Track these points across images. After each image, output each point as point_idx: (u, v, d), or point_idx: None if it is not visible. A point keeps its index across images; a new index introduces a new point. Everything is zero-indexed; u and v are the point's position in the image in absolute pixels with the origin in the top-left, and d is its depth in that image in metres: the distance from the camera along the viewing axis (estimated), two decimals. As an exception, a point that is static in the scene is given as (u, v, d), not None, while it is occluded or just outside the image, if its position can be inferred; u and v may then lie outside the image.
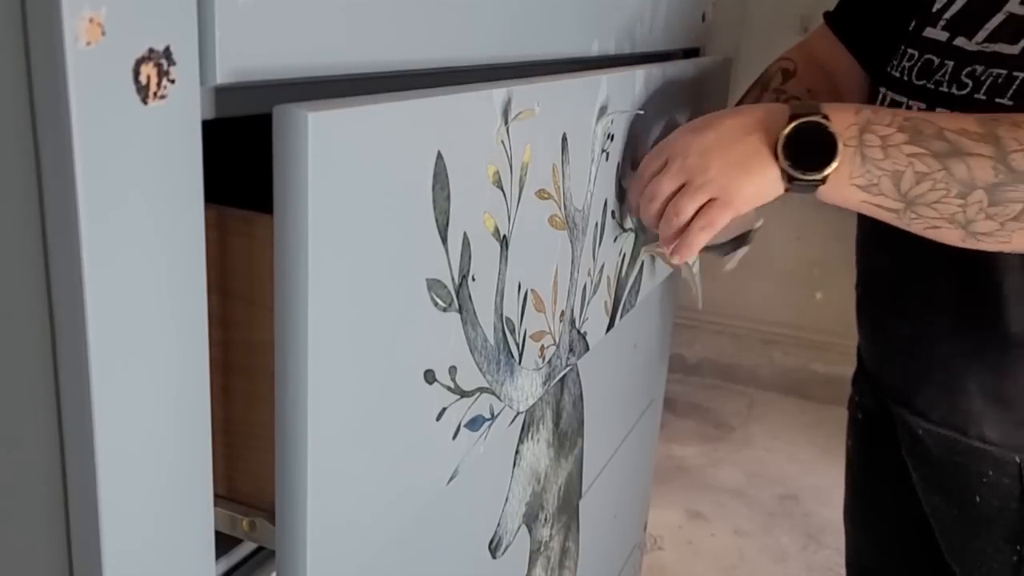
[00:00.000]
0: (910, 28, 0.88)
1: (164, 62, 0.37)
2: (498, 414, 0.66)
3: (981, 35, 0.79)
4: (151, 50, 0.36)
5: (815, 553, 2.04)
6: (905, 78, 0.85)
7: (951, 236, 0.70)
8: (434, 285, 0.54)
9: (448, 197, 0.53)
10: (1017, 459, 0.83)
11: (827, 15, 1.01)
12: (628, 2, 0.85)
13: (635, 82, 0.80)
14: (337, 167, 0.43)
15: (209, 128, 0.41)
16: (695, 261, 0.91)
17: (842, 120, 0.69)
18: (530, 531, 0.90)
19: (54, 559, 0.41)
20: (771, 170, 0.70)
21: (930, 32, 0.85)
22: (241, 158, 0.67)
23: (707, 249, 0.81)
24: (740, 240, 0.86)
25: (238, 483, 0.52)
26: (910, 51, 0.86)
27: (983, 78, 0.77)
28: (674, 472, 2.33)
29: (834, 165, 0.68)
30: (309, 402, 0.45)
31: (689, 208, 0.72)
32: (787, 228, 2.72)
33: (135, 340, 0.38)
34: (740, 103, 0.99)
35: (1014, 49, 0.76)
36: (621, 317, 0.92)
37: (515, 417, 0.70)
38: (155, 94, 0.37)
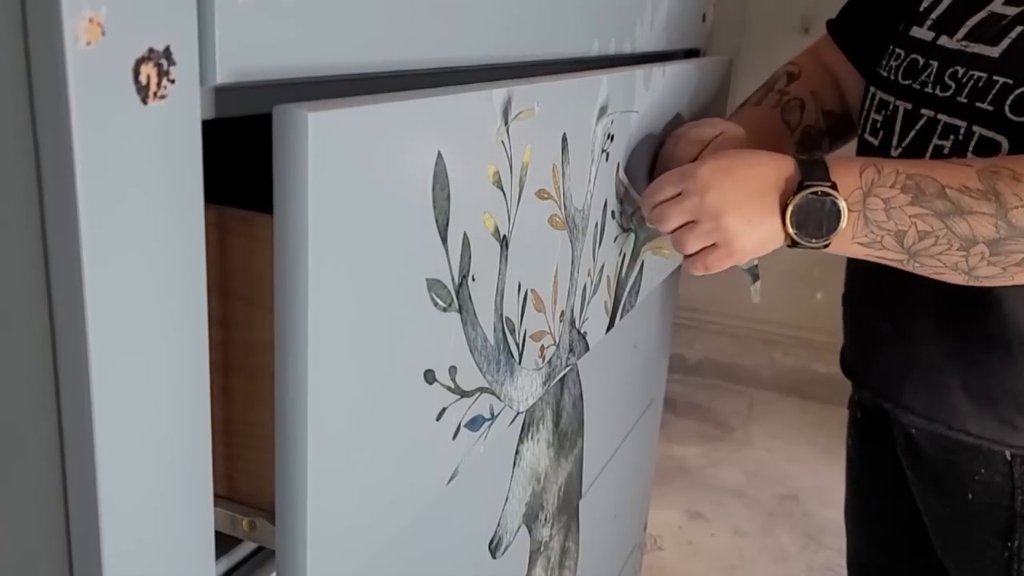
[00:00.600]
0: (899, 28, 0.89)
1: (164, 62, 0.37)
2: (498, 414, 0.66)
3: (962, 32, 0.81)
4: (151, 50, 0.36)
5: (815, 553, 2.04)
6: (892, 77, 0.87)
7: (955, 279, 0.73)
8: (434, 285, 0.54)
9: (448, 197, 0.53)
10: (1007, 455, 0.83)
11: (829, 23, 1.03)
12: (628, 2, 0.85)
13: (635, 82, 0.80)
14: (337, 167, 0.43)
15: (209, 128, 0.41)
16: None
17: (847, 184, 0.71)
18: (530, 531, 0.90)
19: (54, 559, 0.41)
20: (777, 231, 0.73)
21: (916, 32, 0.86)
22: (241, 158, 0.67)
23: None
24: (753, 271, 0.89)
25: (238, 483, 0.52)
26: (897, 51, 0.88)
27: (965, 80, 0.78)
28: (674, 472, 2.33)
29: (838, 232, 0.71)
30: (309, 402, 0.45)
31: (692, 247, 0.75)
32: (787, 228, 2.72)
33: (135, 340, 0.38)
34: (744, 104, 0.99)
35: (994, 52, 0.77)
36: (621, 317, 0.92)
37: (515, 417, 0.70)
38: (155, 94, 0.37)
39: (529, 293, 0.67)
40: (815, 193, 0.70)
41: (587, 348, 0.83)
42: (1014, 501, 0.84)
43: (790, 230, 0.72)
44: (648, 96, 0.84)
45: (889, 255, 0.72)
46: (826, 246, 0.72)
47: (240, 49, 0.41)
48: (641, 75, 0.81)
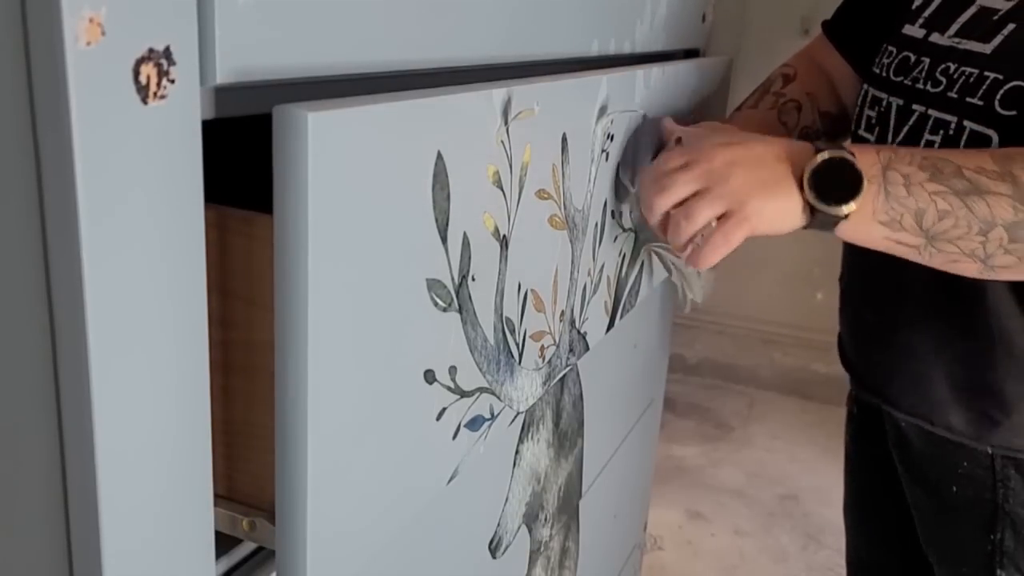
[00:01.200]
0: (892, 27, 0.90)
1: (164, 62, 0.37)
2: (498, 414, 0.66)
3: (953, 28, 0.81)
4: (151, 50, 0.36)
5: (815, 553, 2.04)
6: (884, 74, 0.87)
7: (970, 269, 0.71)
8: (434, 285, 0.54)
9: (448, 197, 0.53)
10: (990, 450, 0.84)
11: (824, 24, 1.04)
12: (628, 2, 0.85)
13: (635, 82, 0.80)
14: (337, 167, 0.43)
15: (209, 128, 0.41)
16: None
17: (865, 159, 0.69)
18: (530, 531, 0.90)
19: (54, 559, 0.41)
20: (794, 199, 0.69)
21: (908, 29, 0.87)
22: (241, 158, 0.67)
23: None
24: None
25: (238, 483, 0.52)
26: (890, 48, 0.89)
27: (956, 76, 0.79)
28: (674, 472, 2.33)
29: (856, 203, 0.68)
30: (309, 402, 0.45)
31: (703, 215, 0.69)
32: (787, 228, 2.72)
33: (135, 340, 0.38)
34: (740, 107, 0.99)
35: (986, 48, 0.78)
36: (621, 317, 0.92)
37: (515, 417, 0.70)
38: (155, 94, 0.37)
39: (529, 293, 0.67)
40: (834, 158, 0.68)
41: (587, 348, 0.83)
42: (996, 494, 0.85)
43: (808, 195, 0.68)
44: (648, 96, 0.84)
45: (907, 238, 0.70)
46: (846, 217, 0.68)
47: (240, 49, 0.41)
48: (641, 75, 0.81)
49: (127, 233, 0.37)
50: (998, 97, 0.75)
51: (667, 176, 0.70)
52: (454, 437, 0.60)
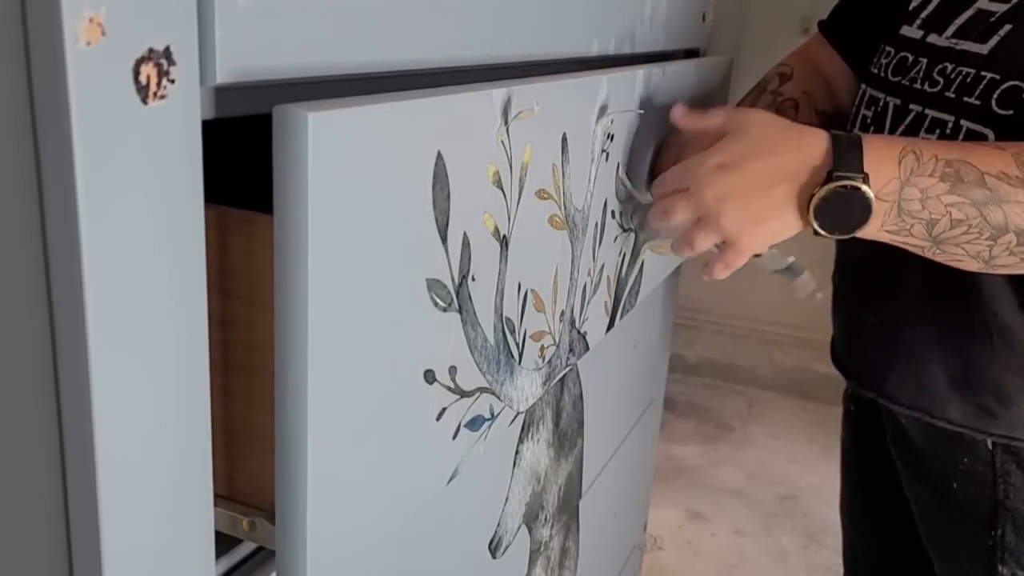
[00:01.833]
0: (890, 27, 0.91)
1: (164, 62, 0.37)
2: (498, 414, 0.66)
3: (951, 30, 0.82)
4: (151, 50, 0.36)
5: (815, 553, 2.04)
6: (882, 75, 0.88)
7: (971, 266, 0.72)
8: (434, 285, 0.54)
9: (448, 197, 0.53)
10: (989, 444, 0.85)
11: (821, 23, 1.05)
12: (628, 2, 0.85)
13: (635, 82, 0.80)
14: (337, 167, 0.43)
15: (209, 128, 0.41)
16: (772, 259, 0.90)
17: (883, 174, 0.68)
18: (530, 531, 0.90)
19: (54, 559, 0.41)
20: (792, 223, 0.70)
21: (906, 30, 0.88)
22: (241, 158, 0.67)
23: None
24: (791, 269, 0.85)
25: (238, 483, 0.52)
26: (888, 48, 0.89)
27: (953, 76, 0.80)
28: (674, 472, 2.33)
29: (865, 227, 0.69)
30: (309, 402, 0.45)
31: (702, 244, 0.73)
32: (787, 228, 2.72)
33: (135, 340, 0.38)
34: (738, 105, 0.99)
35: (982, 49, 0.78)
36: (621, 317, 0.92)
37: (515, 417, 0.70)
38: (155, 94, 0.37)
39: (529, 293, 0.67)
40: (843, 187, 0.67)
41: (587, 348, 0.83)
42: (996, 490, 0.85)
43: (813, 223, 0.69)
44: (648, 96, 0.84)
45: (912, 241, 0.70)
46: (852, 237, 0.70)
47: (240, 49, 0.41)
48: (641, 75, 0.81)
49: (127, 233, 0.37)
50: (995, 96, 0.76)
51: (666, 200, 0.73)
52: (454, 437, 0.60)
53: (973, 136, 0.77)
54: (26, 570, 0.42)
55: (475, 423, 0.63)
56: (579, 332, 0.80)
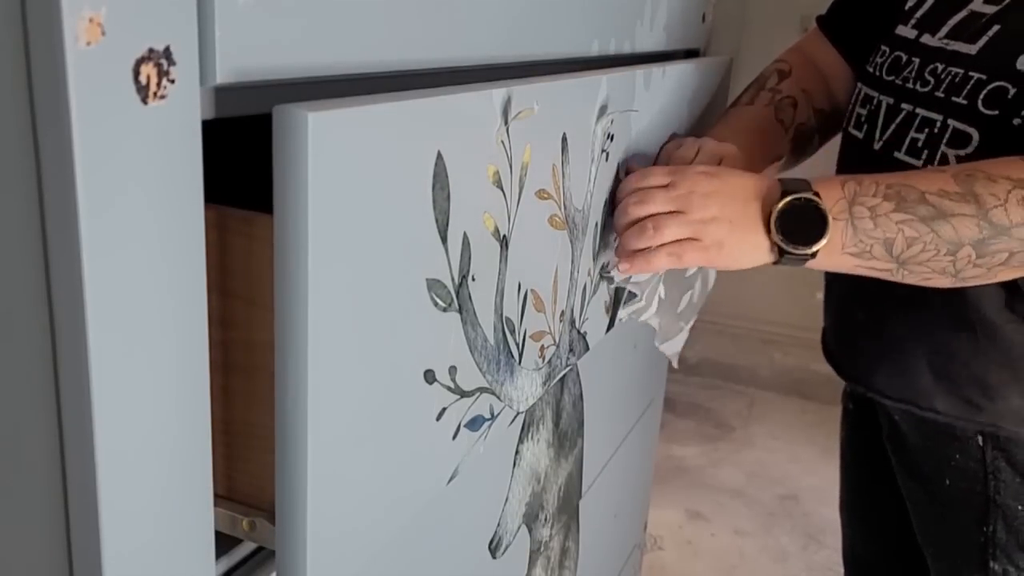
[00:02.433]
0: (887, 26, 0.92)
1: (164, 62, 0.37)
2: (498, 414, 0.66)
3: (944, 30, 0.83)
4: (151, 50, 0.36)
5: (815, 553, 2.04)
6: (877, 73, 0.89)
7: (942, 283, 0.74)
8: (434, 285, 0.54)
9: (448, 197, 0.53)
10: (979, 441, 0.86)
11: (819, 18, 1.05)
12: (628, 2, 0.85)
13: (635, 82, 0.80)
14: (337, 167, 0.43)
15: (209, 128, 0.41)
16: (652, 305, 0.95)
17: (830, 195, 0.72)
18: (530, 531, 0.90)
19: (54, 559, 0.41)
20: (761, 242, 0.73)
21: (901, 30, 0.89)
22: (241, 158, 0.67)
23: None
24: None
25: (238, 483, 0.52)
26: (883, 47, 0.90)
27: (943, 76, 0.81)
28: (674, 472, 2.32)
29: (824, 241, 0.71)
30: (309, 402, 0.45)
31: (672, 233, 0.73)
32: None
33: (135, 340, 0.38)
34: (736, 103, 1.00)
35: (971, 49, 0.79)
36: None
37: (515, 417, 0.70)
38: (155, 94, 0.37)
39: (529, 293, 0.67)
40: (799, 199, 0.71)
41: (587, 348, 0.83)
42: (987, 487, 0.87)
43: (775, 238, 0.72)
44: (648, 96, 0.84)
45: (878, 264, 0.73)
46: (814, 255, 0.72)
47: (240, 49, 0.41)
48: (641, 75, 0.81)
49: (127, 233, 0.37)
50: (981, 97, 0.77)
51: (648, 192, 0.75)
52: (454, 437, 0.60)
53: (959, 135, 0.78)
54: (26, 570, 0.42)
55: (475, 423, 0.63)
56: (579, 332, 0.80)
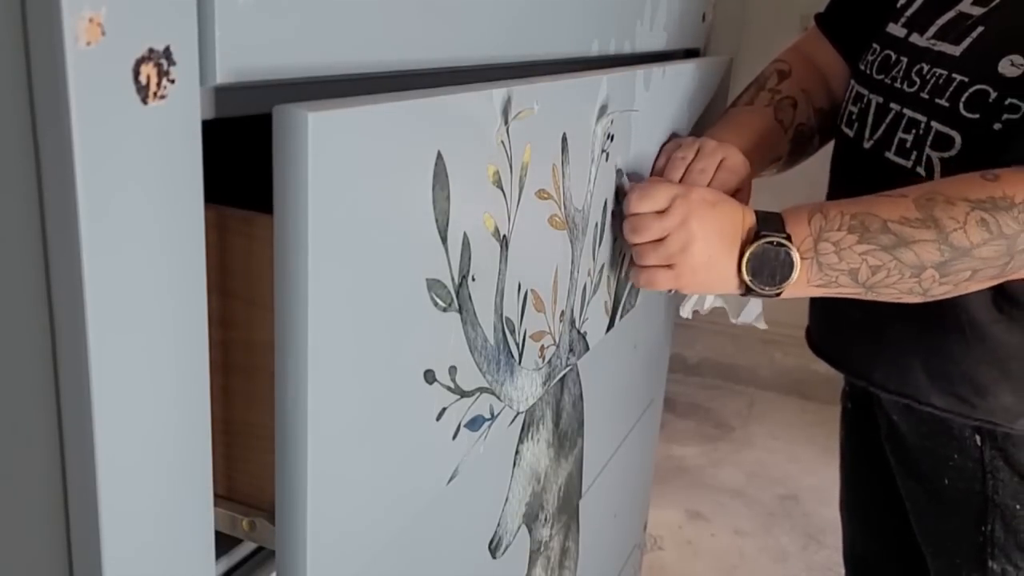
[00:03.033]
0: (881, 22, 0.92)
1: (164, 62, 0.37)
2: (498, 414, 0.66)
3: (932, 30, 0.84)
4: (151, 50, 0.36)
5: (815, 553, 2.04)
6: (868, 72, 0.90)
7: (912, 299, 0.77)
8: (434, 285, 0.54)
9: (448, 197, 0.53)
10: (977, 440, 0.87)
11: (818, 16, 1.05)
12: (628, 2, 0.85)
13: (635, 82, 0.80)
14: (337, 167, 0.43)
15: (209, 128, 0.41)
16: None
17: (799, 233, 0.74)
18: (530, 531, 0.90)
19: (54, 560, 0.41)
20: (731, 276, 0.76)
21: (892, 28, 0.89)
22: (241, 158, 0.67)
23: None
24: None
25: (238, 483, 0.52)
26: (874, 46, 0.91)
27: (928, 77, 0.82)
28: (674, 472, 2.32)
29: (791, 282, 0.74)
30: (309, 402, 0.45)
31: (649, 261, 0.77)
32: (787, 228, 2.72)
33: (135, 340, 0.38)
34: (735, 103, 1.00)
35: (955, 51, 0.80)
36: (621, 317, 0.92)
37: (515, 417, 0.70)
38: (155, 94, 0.37)
39: (529, 293, 0.67)
40: (771, 243, 0.74)
41: (587, 348, 0.83)
42: (985, 486, 0.87)
43: (745, 276, 0.74)
44: (648, 96, 0.84)
45: (845, 291, 0.76)
46: (778, 294, 0.75)
47: (240, 49, 0.41)
48: (641, 75, 0.81)
49: (127, 233, 0.37)
50: (963, 100, 0.77)
51: (641, 219, 0.77)
52: (454, 437, 0.60)
53: (942, 138, 0.79)
54: (26, 570, 0.42)
55: (475, 423, 0.63)
56: (579, 332, 0.80)
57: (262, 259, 0.46)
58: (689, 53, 1.10)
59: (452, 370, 0.58)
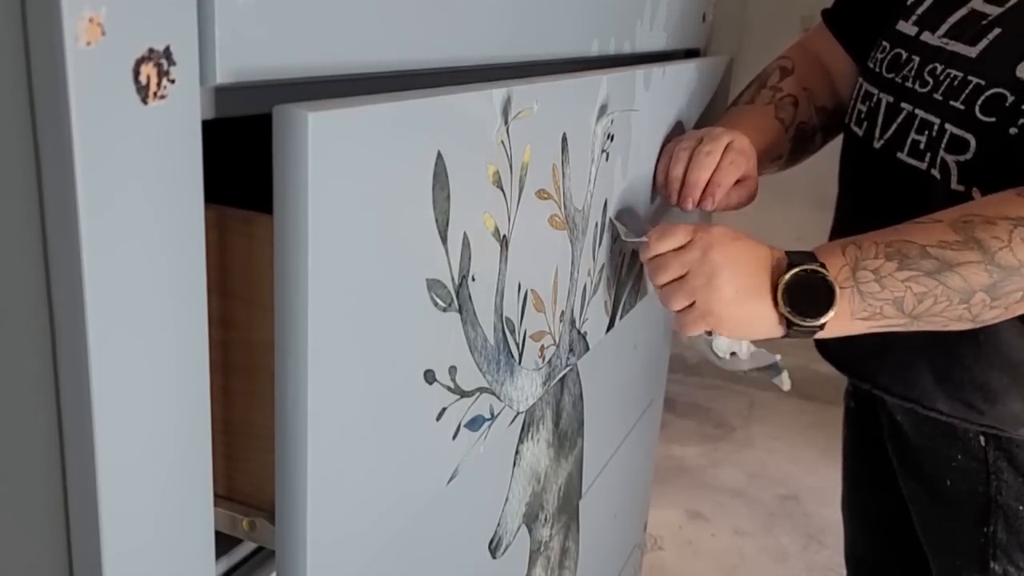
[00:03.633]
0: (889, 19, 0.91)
1: (164, 62, 0.37)
2: (498, 414, 0.66)
3: (943, 28, 0.82)
4: (151, 50, 0.36)
5: (816, 553, 2.04)
6: (877, 70, 0.88)
7: (962, 327, 0.73)
8: (434, 285, 0.54)
9: (448, 197, 0.53)
10: (981, 441, 0.86)
11: (824, 12, 1.04)
12: (628, 2, 0.85)
13: (635, 82, 0.80)
14: (337, 167, 0.43)
15: (209, 128, 0.41)
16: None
17: (834, 263, 0.71)
18: (530, 531, 0.90)
19: (54, 559, 0.41)
20: (767, 312, 0.71)
21: (902, 25, 0.88)
22: (241, 158, 0.67)
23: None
24: (772, 367, 0.91)
25: (238, 483, 0.52)
26: (884, 43, 0.89)
27: (942, 77, 0.80)
28: (674, 472, 2.32)
29: (832, 312, 0.70)
30: (309, 402, 0.45)
31: (678, 303, 0.73)
32: (787, 228, 2.72)
33: (135, 340, 0.38)
34: (736, 101, 0.99)
35: (972, 52, 0.78)
36: (621, 317, 0.92)
37: (515, 417, 0.70)
38: (155, 94, 0.37)
39: (529, 293, 0.67)
40: (805, 270, 0.70)
41: (587, 348, 0.83)
42: (989, 487, 0.86)
43: (783, 309, 0.70)
44: (648, 96, 0.84)
45: (892, 323, 0.72)
46: (823, 327, 0.71)
47: (240, 49, 0.41)
48: (641, 75, 0.81)
49: (127, 233, 0.37)
50: (979, 103, 0.76)
51: (663, 257, 0.73)
52: (454, 437, 0.60)
53: (956, 141, 0.77)
54: (26, 570, 0.42)
55: (475, 423, 0.63)
56: (579, 332, 0.80)
57: (262, 259, 0.46)
58: (689, 53, 1.10)
59: (452, 370, 0.58)
